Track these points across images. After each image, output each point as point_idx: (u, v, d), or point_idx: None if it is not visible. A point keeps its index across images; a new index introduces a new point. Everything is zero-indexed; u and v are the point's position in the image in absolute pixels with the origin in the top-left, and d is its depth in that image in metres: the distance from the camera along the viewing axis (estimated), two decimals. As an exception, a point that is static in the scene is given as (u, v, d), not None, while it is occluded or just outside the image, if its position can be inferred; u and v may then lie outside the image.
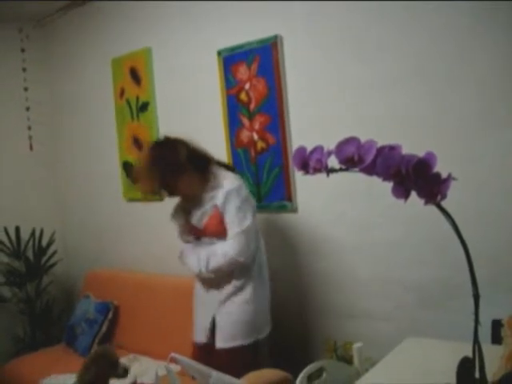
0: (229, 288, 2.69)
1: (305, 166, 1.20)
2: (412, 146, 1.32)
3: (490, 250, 2.38)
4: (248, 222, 2.65)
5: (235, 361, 2.62)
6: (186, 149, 2.70)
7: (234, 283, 2.68)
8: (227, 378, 1.64)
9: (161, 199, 3.64)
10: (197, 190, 2.72)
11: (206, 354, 2.69)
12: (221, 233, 2.68)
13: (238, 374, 2.52)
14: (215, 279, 2.70)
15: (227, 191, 2.66)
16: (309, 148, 1.24)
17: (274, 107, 3.04)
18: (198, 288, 2.82)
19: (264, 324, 2.74)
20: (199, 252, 2.70)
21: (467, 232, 1.38)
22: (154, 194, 2.96)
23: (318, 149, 1.19)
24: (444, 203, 1.23)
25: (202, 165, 2.73)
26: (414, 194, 1.21)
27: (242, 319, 2.67)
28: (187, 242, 2.81)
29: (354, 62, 2.77)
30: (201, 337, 2.75)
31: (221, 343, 2.68)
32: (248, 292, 2.69)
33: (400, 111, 2.63)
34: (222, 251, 2.63)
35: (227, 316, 2.68)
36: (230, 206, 2.65)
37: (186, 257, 2.77)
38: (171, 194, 2.80)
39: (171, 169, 2.64)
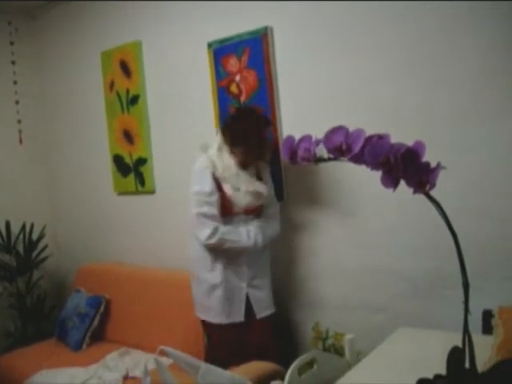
0: (259, 261, 2.90)
1: (293, 155, 1.19)
2: (403, 137, 1.32)
3: (481, 241, 2.38)
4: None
5: (270, 328, 2.91)
6: None
7: (264, 255, 2.94)
8: (216, 369, 1.63)
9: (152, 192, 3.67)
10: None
11: (243, 329, 2.83)
12: (259, 208, 2.89)
13: (272, 340, 2.89)
14: (249, 255, 2.84)
15: (268, 168, 2.95)
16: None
17: (264, 99, 3.02)
18: (219, 271, 2.81)
19: None
20: (246, 228, 2.81)
21: (458, 222, 1.37)
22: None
23: (307, 138, 1.19)
24: (435, 193, 1.23)
25: None
26: (403, 184, 1.20)
27: (270, 287, 2.95)
28: (215, 220, 2.76)
29: (345, 53, 2.76)
30: (239, 316, 2.81)
31: (261, 313, 2.86)
32: (269, 263, 2.99)
33: (392, 102, 2.62)
34: (273, 224, 2.91)
35: (261, 287, 2.89)
36: (271, 183, 2.94)
37: (229, 233, 2.76)
38: (258, 155, 2.83)
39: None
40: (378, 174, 1.19)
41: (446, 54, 2.44)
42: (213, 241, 2.73)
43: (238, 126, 2.78)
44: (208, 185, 2.74)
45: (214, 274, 2.81)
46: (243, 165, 2.81)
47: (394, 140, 1.18)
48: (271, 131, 2.99)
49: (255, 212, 2.88)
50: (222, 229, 2.74)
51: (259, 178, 2.88)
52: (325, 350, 2.69)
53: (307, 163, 1.17)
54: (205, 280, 2.84)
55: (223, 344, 2.83)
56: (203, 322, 2.89)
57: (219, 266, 2.81)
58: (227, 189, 2.78)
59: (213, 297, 2.81)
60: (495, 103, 2.35)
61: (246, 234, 2.78)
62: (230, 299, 2.80)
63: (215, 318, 2.82)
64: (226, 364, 2.22)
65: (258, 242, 2.80)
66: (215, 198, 2.75)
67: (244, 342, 2.82)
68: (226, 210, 2.79)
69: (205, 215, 2.73)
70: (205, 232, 2.72)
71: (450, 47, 2.43)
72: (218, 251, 2.79)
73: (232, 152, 2.79)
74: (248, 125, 2.76)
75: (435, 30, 2.45)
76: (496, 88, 2.33)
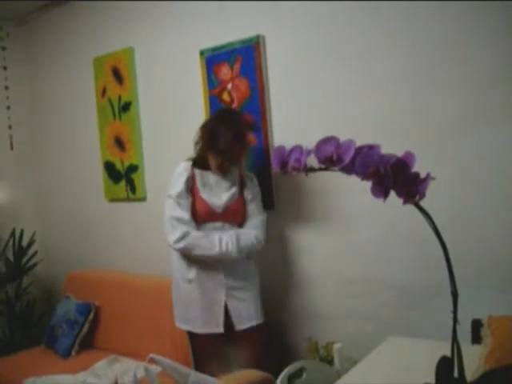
0: (240, 271, 2.79)
1: (284, 166, 1.20)
2: (396, 147, 1.33)
3: (471, 250, 2.39)
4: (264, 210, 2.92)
5: (256, 340, 2.79)
6: None
7: (247, 266, 2.84)
8: (206, 377, 1.63)
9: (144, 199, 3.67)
10: (235, 168, 2.86)
11: (225, 340, 2.76)
12: (240, 217, 2.83)
13: (259, 354, 2.74)
14: (226, 264, 2.75)
15: (255, 179, 2.93)
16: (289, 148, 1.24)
17: (256, 108, 3.03)
18: (194, 282, 2.75)
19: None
20: (219, 234, 2.71)
21: (447, 232, 1.38)
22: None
23: (297, 148, 1.19)
24: (425, 203, 1.24)
25: None
26: (393, 194, 1.21)
27: (256, 299, 2.83)
28: (187, 224, 2.71)
29: (337, 62, 2.77)
30: (217, 327, 2.73)
31: (240, 325, 2.75)
32: (256, 274, 2.89)
33: (384, 111, 2.63)
34: (252, 233, 2.78)
35: (242, 298, 2.78)
36: (257, 193, 2.90)
37: (199, 239, 2.68)
38: (231, 159, 2.74)
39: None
40: (368, 185, 1.19)
41: (441, 65, 2.45)
42: (181, 245, 2.67)
43: (214, 127, 2.74)
44: (179, 187, 2.73)
45: (191, 284, 2.76)
46: (221, 170, 2.78)
47: (385, 149, 1.19)
48: (262, 137, 3.02)
49: (236, 220, 2.82)
50: (194, 234, 2.68)
51: (243, 185, 2.87)
52: (321, 360, 2.69)
53: (298, 173, 1.17)
54: (183, 290, 2.80)
55: (206, 355, 2.78)
56: (187, 332, 2.83)
57: (195, 276, 2.75)
58: (205, 193, 2.77)
59: (191, 307, 2.76)
60: (487, 114, 2.36)
61: (218, 241, 2.68)
62: (208, 309, 2.73)
63: (195, 328, 2.76)
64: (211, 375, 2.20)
65: (230, 250, 2.68)
66: (186, 201, 2.72)
67: (228, 353, 2.75)
68: (202, 216, 2.75)
69: (177, 219, 2.70)
70: (174, 235, 2.68)
71: (446, 55, 2.44)
72: (192, 259, 2.73)
73: (209, 155, 2.76)
74: (224, 126, 2.71)
75: (433, 38, 2.46)
76: (490, 98, 2.35)
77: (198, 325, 2.75)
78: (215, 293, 2.75)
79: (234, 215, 2.81)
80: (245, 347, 2.78)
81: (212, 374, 2.00)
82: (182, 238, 2.67)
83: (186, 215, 2.71)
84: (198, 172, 2.79)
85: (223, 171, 2.80)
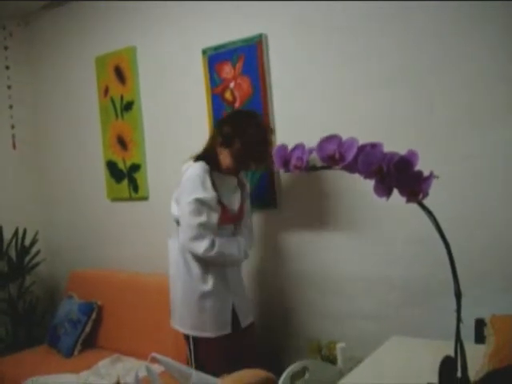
0: (239, 270, 2.83)
1: (286, 164, 1.19)
2: (397, 147, 1.32)
3: (475, 249, 2.38)
4: None
5: (255, 336, 2.87)
6: None
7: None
8: (207, 377, 1.63)
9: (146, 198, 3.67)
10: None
11: (231, 340, 2.67)
12: (242, 218, 2.83)
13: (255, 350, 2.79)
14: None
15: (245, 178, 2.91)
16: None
17: (258, 106, 3.02)
18: (211, 283, 2.63)
19: None
20: (237, 240, 2.71)
21: (451, 231, 1.38)
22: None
23: (299, 146, 1.19)
24: (429, 202, 1.23)
25: None
26: (396, 193, 1.21)
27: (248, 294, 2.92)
28: (213, 231, 2.58)
29: (339, 61, 2.77)
30: (227, 328, 2.64)
31: (245, 321, 2.74)
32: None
33: (385, 111, 2.63)
34: (250, 234, 2.86)
35: (244, 296, 2.83)
36: (248, 192, 2.89)
37: (225, 246, 2.60)
38: (260, 160, 2.72)
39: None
40: (370, 184, 1.19)
41: (442, 64, 2.44)
42: (212, 253, 2.54)
43: (245, 126, 2.62)
44: (209, 192, 2.54)
45: (205, 284, 2.63)
46: (235, 170, 2.71)
47: (388, 148, 1.18)
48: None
49: (240, 221, 2.79)
50: (218, 240, 2.57)
51: (241, 184, 2.82)
52: (322, 360, 2.68)
53: (300, 172, 1.17)
54: (194, 291, 2.64)
55: (210, 358, 2.64)
56: (186, 336, 2.70)
57: (210, 277, 2.63)
58: (223, 197, 2.65)
59: (203, 309, 2.63)
60: (488, 114, 2.35)
61: (237, 246, 2.67)
62: (220, 310, 2.63)
63: (205, 332, 2.63)
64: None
65: (247, 254, 2.75)
66: (216, 206, 2.57)
67: (230, 353, 2.65)
68: (223, 221, 2.64)
69: (204, 226, 2.52)
70: (203, 244, 2.52)
71: (446, 57, 2.43)
72: (211, 266, 2.63)
73: (225, 154, 2.63)
74: (257, 127, 2.66)
75: (433, 39, 2.46)
76: (489, 99, 2.34)
77: (208, 327, 2.63)
78: (225, 293, 2.66)
79: (240, 217, 2.79)
80: (247, 344, 2.77)
81: (216, 375, 1.96)
82: (212, 246, 2.54)
83: (215, 220, 2.57)
84: (214, 174, 2.64)
85: (236, 172, 2.74)
